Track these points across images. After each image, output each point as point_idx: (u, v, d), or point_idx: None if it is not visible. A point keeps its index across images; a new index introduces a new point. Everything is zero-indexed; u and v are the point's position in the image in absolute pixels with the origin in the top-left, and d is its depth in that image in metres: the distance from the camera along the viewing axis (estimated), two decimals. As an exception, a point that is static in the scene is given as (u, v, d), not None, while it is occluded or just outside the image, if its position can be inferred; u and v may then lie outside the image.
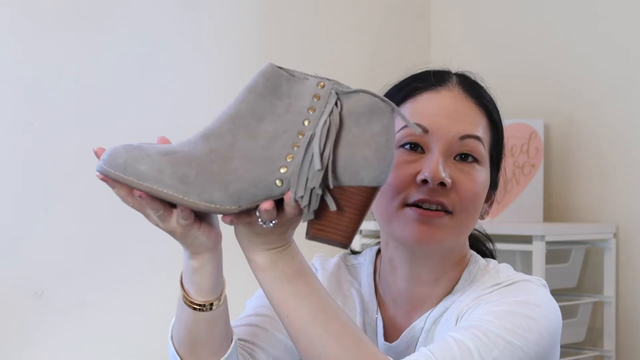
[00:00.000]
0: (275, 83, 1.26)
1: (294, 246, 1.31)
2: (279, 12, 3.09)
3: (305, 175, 1.22)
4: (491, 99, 1.53)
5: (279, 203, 1.24)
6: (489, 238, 1.63)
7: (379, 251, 1.56)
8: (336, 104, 1.25)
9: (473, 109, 1.49)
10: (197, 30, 2.91)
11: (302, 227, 1.29)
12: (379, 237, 1.56)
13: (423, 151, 1.46)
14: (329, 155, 1.23)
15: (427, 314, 1.49)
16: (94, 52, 2.69)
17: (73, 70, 2.66)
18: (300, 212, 1.24)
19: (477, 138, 1.47)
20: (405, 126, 1.45)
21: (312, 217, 1.24)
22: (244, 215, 1.24)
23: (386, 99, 1.26)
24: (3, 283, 2.56)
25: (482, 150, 1.48)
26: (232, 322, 1.45)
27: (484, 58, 3.34)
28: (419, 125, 1.44)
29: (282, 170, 1.23)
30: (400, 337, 1.49)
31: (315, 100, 1.25)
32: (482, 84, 1.54)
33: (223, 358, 1.35)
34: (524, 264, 3.00)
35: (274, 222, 1.25)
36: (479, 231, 1.61)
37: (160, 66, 2.82)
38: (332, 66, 3.17)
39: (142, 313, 2.75)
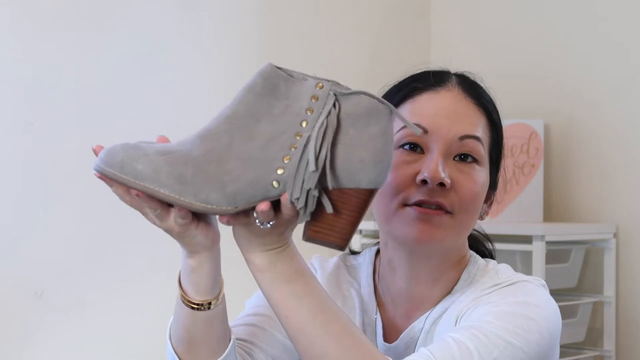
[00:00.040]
0: (274, 83, 1.25)
1: (293, 247, 1.31)
2: (279, 12, 3.09)
3: (301, 177, 1.22)
4: (491, 99, 1.53)
5: (276, 204, 1.24)
6: (488, 238, 1.63)
7: (378, 251, 1.56)
8: (334, 105, 1.24)
9: (472, 109, 1.49)
10: (197, 30, 2.91)
11: (300, 227, 1.29)
12: (378, 237, 1.56)
13: (422, 151, 1.46)
14: (325, 157, 1.22)
15: (426, 314, 1.49)
16: (94, 52, 2.69)
17: (73, 70, 2.66)
18: (297, 213, 1.24)
19: (477, 138, 1.47)
20: (405, 126, 1.45)
21: (308, 218, 1.24)
22: (241, 216, 1.24)
23: (385, 100, 1.25)
24: (3, 283, 2.56)
25: (482, 151, 1.48)
26: (231, 322, 1.45)
27: (484, 58, 3.34)
28: (418, 125, 1.44)
29: (279, 172, 1.23)
30: (400, 337, 1.49)
31: (313, 101, 1.25)
32: (481, 84, 1.54)
33: (221, 357, 1.35)
34: (524, 264, 3.00)
35: (271, 222, 1.25)
36: (478, 231, 1.61)
37: (160, 66, 2.82)
38: (332, 66, 3.17)
39: (142, 313, 2.75)
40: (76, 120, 2.66)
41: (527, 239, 2.94)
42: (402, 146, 1.46)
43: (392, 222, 1.45)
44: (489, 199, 1.53)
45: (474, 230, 1.56)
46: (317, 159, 1.22)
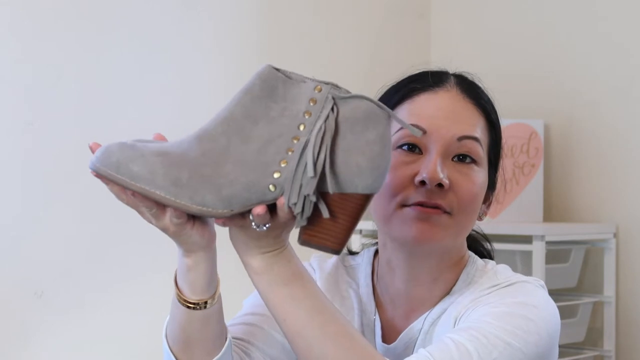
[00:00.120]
0: (272, 85, 1.25)
1: (290, 249, 1.31)
2: (279, 12, 3.09)
3: (299, 182, 1.22)
4: (489, 99, 1.52)
5: (272, 207, 1.24)
6: (487, 238, 1.62)
7: (376, 252, 1.56)
8: (332, 109, 1.24)
9: (471, 109, 1.49)
10: (197, 30, 2.91)
11: (296, 230, 1.29)
12: (377, 237, 1.56)
13: (421, 152, 1.46)
14: (324, 162, 1.22)
15: (425, 315, 1.49)
16: (94, 52, 2.70)
17: (73, 70, 2.66)
18: (293, 216, 1.24)
19: (475, 139, 1.47)
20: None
21: (304, 223, 1.24)
22: (237, 218, 1.24)
23: (383, 105, 1.25)
24: (3, 283, 2.57)
25: (480, 151, 1.47)
26: (229, 321, 1.45)
27: (484, 58, 3.34)
28: (416, 126, 1.44)
29: (276, 175, 1.22)
30: (398, 338, 1.49)
31: (311, 104, 1.24)
32: (480, 85, 1.53)
33: (217, 357, 1.35)
34: (524, 264, 3.00)
35: (267, 225, 1.24)
36: (476, 231, 1.60)
37: (160, 66, 2.82)
38: (332, 66, 3.17)
39: (143, 313, 2.74)
40: (76, 120, 2.66)
41: (527, 239, 2.94)
42: (400, 147, 1.46)
43: (391, 222, 1.45)
44: (487, 199, 1.53)
45: (473, 230, 1.56)
46: (315, 164, 1.22)
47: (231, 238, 1.29)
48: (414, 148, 1.46)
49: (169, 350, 1.36)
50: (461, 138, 1.46)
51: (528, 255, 2.96)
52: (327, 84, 1.25)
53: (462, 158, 1.46)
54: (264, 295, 1.30)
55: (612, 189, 3.17)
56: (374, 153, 1.24)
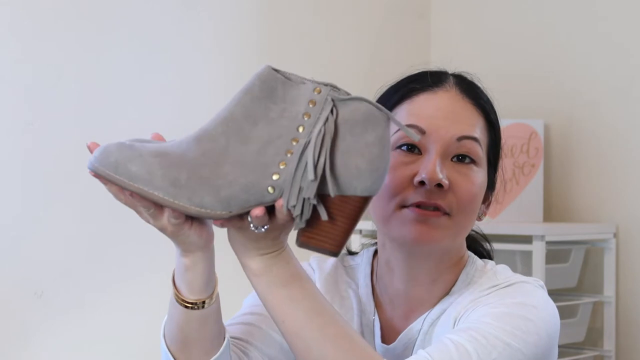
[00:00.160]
0: (271, 86, 1.24)
1: (288, 250, 1.30)
2: (279, 12, 3.09)
3: (298, 185, 1.22)
4: (488, 99, 1.52)
5: (271, 208, 1.23)
6: (486, 238, 1.62)
7: (376, 252, 1.56)
8: (332, 111, 1.24)
9: (470, 109, 1.49)
10: (197, 30, 2.91)
11: (294, 231, 1.29)
12: (376, 237, 1.56)
13: (420, 152, 1.45)
14: (324, 165, 1.22)
15: (424, 315, 1.48)
16: (94, 52, 2.70)
17: (73, 70, 2.66)
18: (292, 218, 1.24)
19: (475, 139, 1.47)
20: (403, 128, 1.44)
21: (303, 225, 1.24)
22: (235, 220, 1.24)
23: (382, 107, 1.25)
24: (3, 283, 2.57)
25: (480, 152, 1.47)
26: (228, 320, 1.45)
27: (484, 58, 3.34)
28: (415, 126, 1.44)
29: (275, 177, 1.22)
30: (398, 339, 1.49)
31: (310, 106, 1.24)
32: (479, 85, 1.53)
33: (215, 356, 1.35)
34: (524, 264, 3.00)
35: (265, 227, 1.24)
36: (476, 232, 1.60)
37: (160, 66, 2.82)
38: (332, 66, 3.17)
39: (143, 313, 2.74)
40: (76, 120, 2.66)
41: (527, 239, 2.94)
42: (399, 147, 1.45)
43: (390, 223, 1.45)
44: (487, 199, 1.52)
45: (472, 230, 1.56)
46: (315, 167, 1.21)
47: (229, 240, 1.29)
48: (413, 148, 1.46)
49: (167, 350, 1.36)
50: (460, 138, 1.45)
51: (528, 255, 2.96)
52: (326, 85, 1.25)
53: (462, 158, 1.46)
54: (263, 297, 1.30)
55: (612, 189, 3.17)
56: (373, 155, 1.23)
